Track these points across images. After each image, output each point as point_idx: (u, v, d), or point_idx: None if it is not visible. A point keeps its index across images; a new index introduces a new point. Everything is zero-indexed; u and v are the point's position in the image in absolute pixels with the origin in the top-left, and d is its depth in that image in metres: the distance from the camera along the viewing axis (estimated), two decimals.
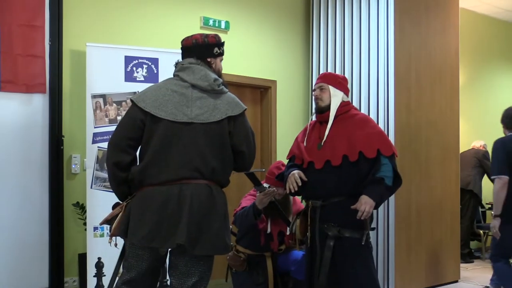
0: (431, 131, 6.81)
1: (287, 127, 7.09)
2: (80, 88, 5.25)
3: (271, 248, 4.62)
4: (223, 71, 6.38)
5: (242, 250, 4.65)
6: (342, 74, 6.89)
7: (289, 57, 7.28)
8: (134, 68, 5.18)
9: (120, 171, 3.23)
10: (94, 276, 4.97)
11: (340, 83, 4.03)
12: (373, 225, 6.10)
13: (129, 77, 5.15)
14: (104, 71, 5.09)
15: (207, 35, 3.44)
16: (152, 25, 5.98)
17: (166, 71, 5.31)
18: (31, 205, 4.99)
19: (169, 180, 3.14)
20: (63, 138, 5.15)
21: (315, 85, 4.14)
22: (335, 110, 3.93)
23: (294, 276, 4.67)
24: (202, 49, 3.39)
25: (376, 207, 3.80)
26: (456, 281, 7.03)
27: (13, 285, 4.87)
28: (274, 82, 7.07)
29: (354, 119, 3.90)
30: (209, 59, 3.40)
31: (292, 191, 3.98)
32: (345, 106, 3.97)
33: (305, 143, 4.02)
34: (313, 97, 4.10)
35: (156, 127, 3.19)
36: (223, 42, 3.50)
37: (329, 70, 7.08)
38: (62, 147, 5.13)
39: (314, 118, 4.12)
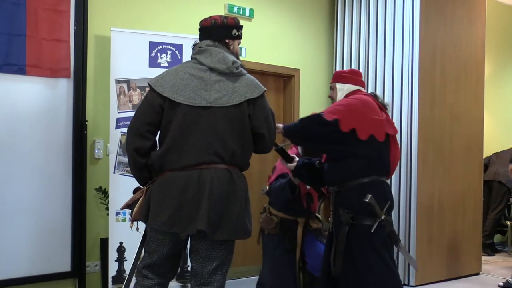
0: (455, 123, 6.76)
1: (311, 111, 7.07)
2: (104, 73, 5.27)
3: (312, 210, 4.51)
4: (247, 58, 6.44)
5: (275, 213, 4.56)
6: (365, 65, 6.88)
7: (313, 45, 7.25)
8: (158, 54, 5.18)
9: (140, 157, 3.23)
10: (115, 261, 5.00)
11: (345, 77, 4.01)
12: (395, 216, 6.14)
13: (153, 62, 5.15)
14: (128, 56, 5.10)
15: (226, 17, 3.42)
16: (176, 11, 5.98)
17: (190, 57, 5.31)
18: (54, 189, 5.02)
19: (188, 165, 3.13)
20: (86, 123, 5.18)
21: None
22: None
23: (312, 272, 4.58)
24: (220, 30, 3.36)
25: (285, 135, 3.83)
26: (477, 274, 7.00)
27: (36, 269, 4.92)
28: (297, 70, 7.04)
29: None
30: (227, 40, 3.37)
31: None
32: (350, 94, 3.93)
33: None
34: None
35: (175, 112, 3.17)
36: (242, 26, 3.47)
37: (352, 60, 7.06)
38: (85, 132, 5.16)
39: None
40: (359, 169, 3.69)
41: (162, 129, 3.22)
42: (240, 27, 3.44)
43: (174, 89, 3.17)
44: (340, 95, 3.95)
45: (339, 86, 3.98)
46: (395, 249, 3.89)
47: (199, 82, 3.20)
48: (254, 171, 6.73)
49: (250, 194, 3.36)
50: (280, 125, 3.78)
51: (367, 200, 3.56)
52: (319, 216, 4.23)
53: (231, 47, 3.39)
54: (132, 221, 3.38)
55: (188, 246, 3.41)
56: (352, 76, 4.01)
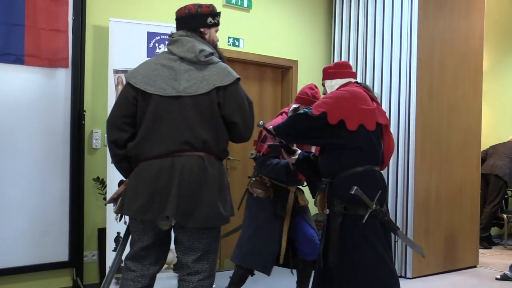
0: (453, 115, 6.76)
1: None
2: (102, 63, 5.27)
3: (300, 179, 4.54)
4: (245, 50, 6.44)
5: (267, 181, 4.57)
6: (363, 56, 6.88)
7: (311, 37, 7.24)
8: (157, 44, 5.17)
9: (119, 149, 3.26)
10: (113, 251, 5.00)
11: (331, 73, 4.00)
12: (392, 208, 6.15)
13: (151, 53, 5.14)
14: (126, 46, 5.09)
15: (200, 5, 3.39)
16: (175, 1, 5.91)
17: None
18: (52, 179, 5.03)
19: (161, 154, 3.13)
20: (84, 113, 5.18)
21: None
22: None
23: (304, 257, 4.59)
24: (195, 19, 3.35)
25: (277, 135, 3.88)
26: (474, 266, 7.02)
27: (33, 258, 4.94)
28: (295, 62, 7.04)
29: None
30: (202, 29, 3.35)
31: None
32: (341, 87, 3.91)
33: None
34: None
35: (147, 103, 3.19)
36: (219, 13, 3.45)
37: (350, 52, 7.06)
38: (83, 122, 5.16)
39: None
40: (350, 159, 3.68)
41: (138, 120, 3.24)
42: (216, 15, 3.41)
43: (146, 80, 3.20)
44: (330, 91, 3.96)
45: (327, 83, 3.98)
46: (395, 238, 3.89)
47: (170, 72, 3.21)
48: (249, 161, 6.75)
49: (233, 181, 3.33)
50: (271, 127, 3.86)
51: (352, 192, 3.55)
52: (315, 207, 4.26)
53: (207, 36, 3.38)
54: (116, 213, 3.40)
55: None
56: (339, 70, 3.99)
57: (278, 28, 6.90)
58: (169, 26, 5.27)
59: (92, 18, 5.33)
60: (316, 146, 4.02)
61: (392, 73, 6.54)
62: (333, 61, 7.20)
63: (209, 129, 3.19)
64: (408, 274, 6.27)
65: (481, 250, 7.54)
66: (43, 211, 4.97)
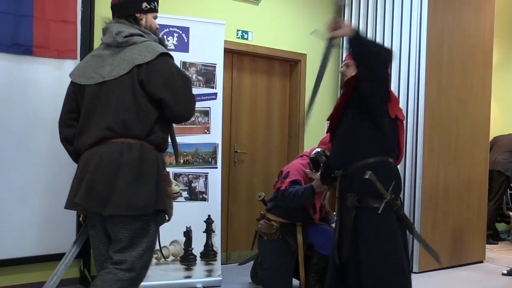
0: (462, 110, 6.74)
1: (316, 101, 7.04)
2: None
3: (313, 219, 4.71)
4: (254, 43, 6.42)
5: (274, 218, 4.67)
6: None
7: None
8: (165, 36, 5.13)
9: (70, 145, 3.29)
10: None
11: None
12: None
13: None
14: None
15: None
16: None
17: (196, 40, 5.29)
18: (59, 171, 5.02)
19: (91, 143, 3.11)
20: None
21: (342, 62, 4.14)
22: None
23: (319, 250, 4.67)
24: (128, 5, 3.28)
25: (353, 46, 3.70)
26: (481, 262, 7.01)
27: (42, 248, 4.96)
28: (304, 55, 7.02)
29: None
30: (137, 15, 3.28)
31: None
32: None
33: None
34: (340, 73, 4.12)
35: (83, 95, 3.20)
36: None
37: None
38: None
39: None
40: (364, 149, 3.63)
41: (81, 114, 3.24)
42: (152, 0, 3.33)
43: (80, 73, 3.24)
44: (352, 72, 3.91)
45: None
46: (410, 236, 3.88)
47: (98, 60, 3.21)
48: (258, 171, 6.76)
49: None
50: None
51: (366, 177, 3.47)
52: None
53: (143, 21, 3.31)
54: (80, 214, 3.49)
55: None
56: None
57: (287, 21, 6.88)
58: (179, 18, 5.30)
59: (100, 10, 5.31)
60: (364, 91, 3.71)
61: (401, 68, 6.51)
62: (342, 54, 7.17)
63: (130, 110, 3.08)
64: (415, 269, 6.26)
65: (488, 246, 7.52)
66: (51, 202, 4.97)
